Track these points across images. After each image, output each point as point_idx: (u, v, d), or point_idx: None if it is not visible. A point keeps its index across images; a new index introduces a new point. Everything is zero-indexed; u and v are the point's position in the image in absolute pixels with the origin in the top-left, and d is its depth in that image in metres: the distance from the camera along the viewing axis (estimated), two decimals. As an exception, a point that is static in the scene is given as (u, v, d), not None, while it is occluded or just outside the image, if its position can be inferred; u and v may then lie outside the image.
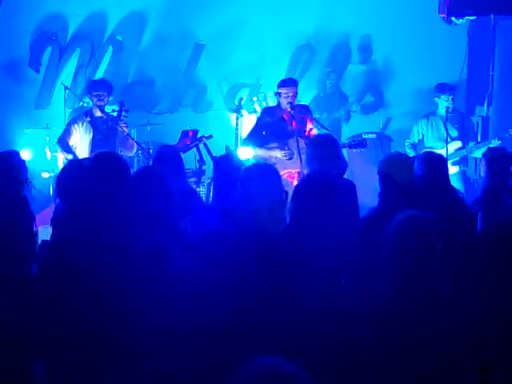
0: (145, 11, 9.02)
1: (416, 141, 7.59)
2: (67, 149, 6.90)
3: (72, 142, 6.97)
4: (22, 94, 8.71)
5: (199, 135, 7.64)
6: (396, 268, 2.63)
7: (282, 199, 3.24)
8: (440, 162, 4.54)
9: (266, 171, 3.21)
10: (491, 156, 5.16)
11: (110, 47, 9.04)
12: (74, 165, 4.09)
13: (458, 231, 3.75)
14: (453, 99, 7.44)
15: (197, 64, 9.23)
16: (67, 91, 8.31)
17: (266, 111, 7.29)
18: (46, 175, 8.04)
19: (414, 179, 4.21)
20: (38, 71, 8.84)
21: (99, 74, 8.98)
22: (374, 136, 8.92)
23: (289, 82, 7.06)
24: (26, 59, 8.78)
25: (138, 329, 2.71)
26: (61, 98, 8.40)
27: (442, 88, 7.45)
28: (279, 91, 6.96)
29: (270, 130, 6.96)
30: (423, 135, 7.54)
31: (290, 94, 6.92)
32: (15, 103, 8.59)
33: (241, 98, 8.68)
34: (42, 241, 3.20)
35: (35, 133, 8.31)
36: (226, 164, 4.35)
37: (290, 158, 6.86)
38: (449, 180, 4.53)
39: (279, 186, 3.22)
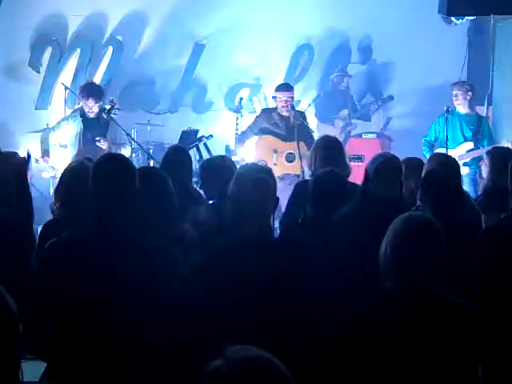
0: (145, 11, 9.02)
1: (433, 139, 7.52)
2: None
3: (60, 138, 7.38)
4: (21, 95, 8.69)
5: (199, 135, 7.65)
6: (399, 265, 2.62)
7: (271, 204, 3.04)
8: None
9: (260, 172, 3.12)
10: (494, 154, 5.13)
11: (110, 47, 9.02)
12: (79, 166, 4.08)
13: (462, 231, 3.76)
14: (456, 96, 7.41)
15: (197, 64, 9.22)
16: (67, 91, 8.32)
17: (264, 112, 7.41)
18: (46, 175, 8.03)
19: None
20: (38, 71, 8.83)
21: (99, 74, 8.98)
22: (373, 136, 8.94)
23: (284, 87, 7.24)
24: (26, 59, 8.77)
25: (150, 329, 2.71)
26: (61, 98, 8.41)
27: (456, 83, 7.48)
28: (275, 95, 7.18)
29: (267, 132, 7.09)
30: (440, 133, 7.47)
31: (284, 99, 7.11)
32: (15, 103, 8.57)
33: (241, 98, 8.69)
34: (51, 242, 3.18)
35: (35, 133, 8.29)
36: (213, 166, 4.35)
37: (291, 161, 6.94)
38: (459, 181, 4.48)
39: (269, 189, 3.03)
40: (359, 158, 6.57)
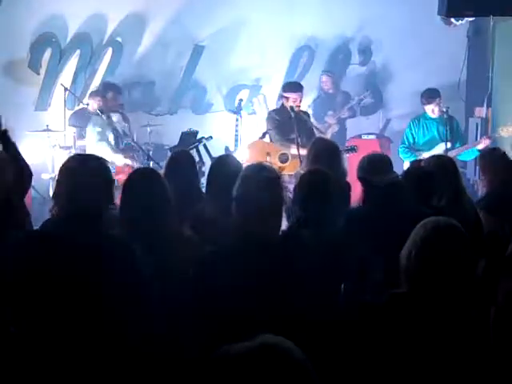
0: (145, 12, 9.02)
1: (411, 143, 7.51)
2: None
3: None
4: (21, 96, 8.69)
5: (199, 136, 7.65)
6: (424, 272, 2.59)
7: (278, 203, 3.01)
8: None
9: (262, 171, 3.09)
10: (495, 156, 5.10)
11: (110, 48, 9.03)
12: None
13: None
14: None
15: (196, 65, 9.22)
16: (67, 92, 8.32)
17: (275, 112, 7.25)
18: (45, 176, 8.03)
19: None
20: (37, 72, 8.82)
21: (99, 76, 8.99)
22: (373, 137, 8.95)
23: (297, 88, 7.06)
24: (26, 60, 8.77)
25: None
26: (61, 99, 8.41)
27: (428, 96, 7.39)
28: (286, 96, 6.95)
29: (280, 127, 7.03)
30: (414, 137, 7.47)
31: (298, 99, 6.97)
32: (15, 105, 8.56)
33: (240, 100, 8.68)
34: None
35: (35, 134, 8.27)
36: (222, 166, 4.33)
37: (284, 161, 6.89)
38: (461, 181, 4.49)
39: (274, 188, 3.00)
40: (353, 149, 6.87)
